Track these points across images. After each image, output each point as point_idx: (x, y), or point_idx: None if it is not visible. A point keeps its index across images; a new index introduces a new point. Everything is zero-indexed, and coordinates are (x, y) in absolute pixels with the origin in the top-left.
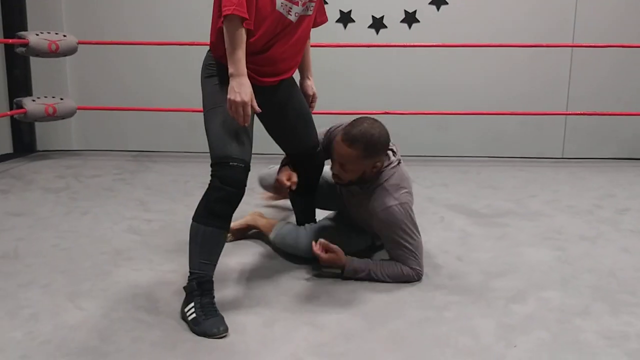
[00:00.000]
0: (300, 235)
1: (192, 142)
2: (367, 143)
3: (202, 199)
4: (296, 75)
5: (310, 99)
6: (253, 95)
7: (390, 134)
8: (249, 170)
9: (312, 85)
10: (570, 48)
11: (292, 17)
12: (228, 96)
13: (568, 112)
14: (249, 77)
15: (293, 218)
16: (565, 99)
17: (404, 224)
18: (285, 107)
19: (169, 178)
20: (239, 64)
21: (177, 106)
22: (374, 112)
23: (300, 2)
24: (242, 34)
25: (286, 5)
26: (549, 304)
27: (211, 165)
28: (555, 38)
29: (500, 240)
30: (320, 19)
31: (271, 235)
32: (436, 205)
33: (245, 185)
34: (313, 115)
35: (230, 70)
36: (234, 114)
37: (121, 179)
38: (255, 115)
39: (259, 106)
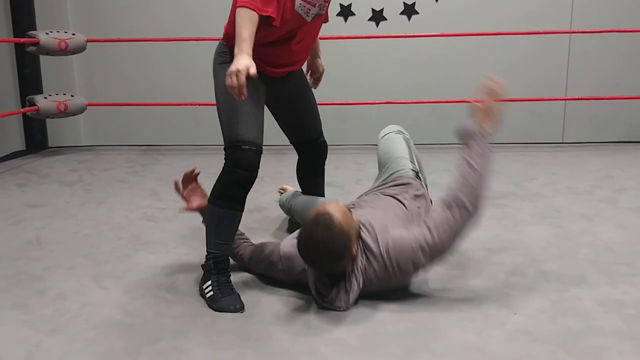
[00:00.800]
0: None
1: (198, 135)
2: (336, 259)
3: (216, 181)
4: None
5: (319, 75)
6: (251, 66)
7: (391, 122)
8: (261, 153)
9: (322, 63)
10: (568, 34)
11: (308, 18)
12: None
13: (567, 97)
14: (260, 66)
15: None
16: (564, 85)
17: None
18: (293, 98)
19: (178, 170)
20: (242, 44)
21: (183, 100)
22: (376, 101)
23: (317, 4)
24: (252, 21)
25: (304, 6)
26: (548, 276)
27: (224, 149)
28: (553, 25)
29: (501, 220)
30: (325, 18)
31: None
32: (438, 190)
33: (258, 168)
34: (319, 106)
35: (235, 51)
36: (230, 86)
37: (133, 171)
38: (265, 105)
39: (268, 97)
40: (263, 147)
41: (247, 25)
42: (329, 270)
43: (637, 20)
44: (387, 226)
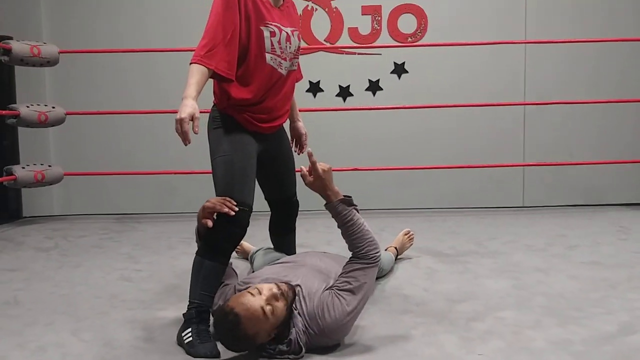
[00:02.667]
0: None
1: (172, 203)
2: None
3: (206, 236)
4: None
5: (303, 138)
6: (195, 112)
7: (359, 189)
8: (252, 212)
9: (302, 126)
10: (522, 106)
11: (283, 71)
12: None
13: (524, 164)
14: (252, 125)
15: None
16: (522, 152)
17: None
18: (278, 156)
19: (153, 235)
20: (188, 88)
21: (157, 169)
22: (344, 168)
23: (287, 58)
24: (200, 71)
25: (276, 59)
26: (505, 321)
27: None
28: (507, 96)
29: (462, 274)
30: (298, 75)
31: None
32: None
33: (248, 226)
34: None
35: (183, 95)
36: (177, 132)
37: (108, 237)
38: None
39: (260, 152)
40: None
41: (194, 74)
42: (235, 350)
43: (581, 91)
44: (317, 292)
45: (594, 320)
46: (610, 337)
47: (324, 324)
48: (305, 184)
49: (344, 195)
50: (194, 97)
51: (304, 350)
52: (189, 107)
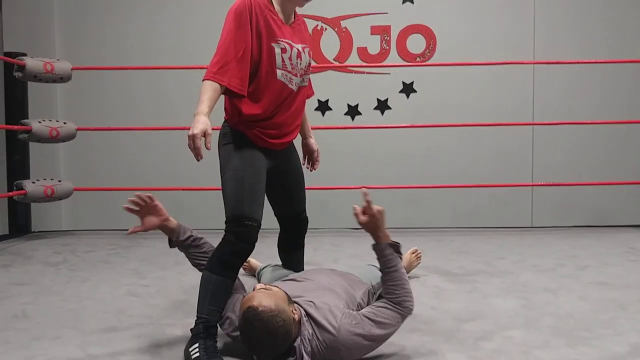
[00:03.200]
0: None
1: (178, 220)
2: (277, 346)
3: (215, 251)
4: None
5: (316, 154)
6: (207, 129)
7: None
8: (260, 227)
9: (314, 142)
10: (531, 126)
11: (294, 87)
12: None
13: (533, 184)
14: (262, 141)
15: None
16: (530, 173)
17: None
18: (285, 172)
19: (160, 251)
20: (201, 105)
21: (164, 185)
22: (351, 187)
23: (298, 74)
24: (213, 88)
25: (287, 75)
26: (513, 340)
27: (226, 222)
28: (515, 116)
29: (471, 294)
30: (309, 92)
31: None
32: None
33: (256, 241)
34: None
35: (195, 111)
36: (189, 148)
37: (115, 252)
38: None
39: (270, 168)
40: None
41: (207, 90)
42: (275, 354)
43: (590, 112)
44: (331, 305)
45: (603, 341)
46: (619, 358)
47: (338, 333)
48: (358, 222)
49: (393, 241)
50: (206, 113)
51: (308, 358)
52: (201, 123)
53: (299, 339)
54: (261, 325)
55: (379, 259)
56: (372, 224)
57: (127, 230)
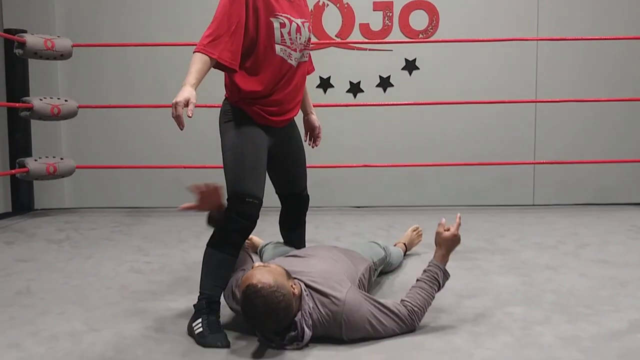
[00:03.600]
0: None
1: (182, 197)
2: (279, 320)
3: (216, 228)
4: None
5: (317, 131)
6: (190, 98)
7: (368, 185)
8: (262, 205)
9: (316, 119)
10: (534, 104)
11: (293, 62)
12: None
13: (535, 162)
14: (262, 118)
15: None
16: (533, 151)
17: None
18: (286, 150)
19: (163, 229)
20: (188, 76)
21: (166, 163)
22: (353, 165)
23: (298, 49)
24: (202, 60)
25: (286, 50)
26: (514, 316)
27: (227, 199)
28: (519, 94)
29: (472, 271)
30: (310, 67)
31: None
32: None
33: (258, 218)
34: None
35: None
36: (172, 116)
37: (119, 230)
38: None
39: (271, 146)
40: None
41: (196, 62)
42: (277, 329)
43: (596, 90)
44: (342, 278)
45: (603, 317)
46: (619, 334)
47: (343, 305)
48: (437, 232)
49: (447, 270)
50: (192, 84)
51: (309, 332)
52: (185, 92)
53: (299, 314)
54: (261, 302)
55: (426, 271)
56: (449, 242)
57: (131, 208)
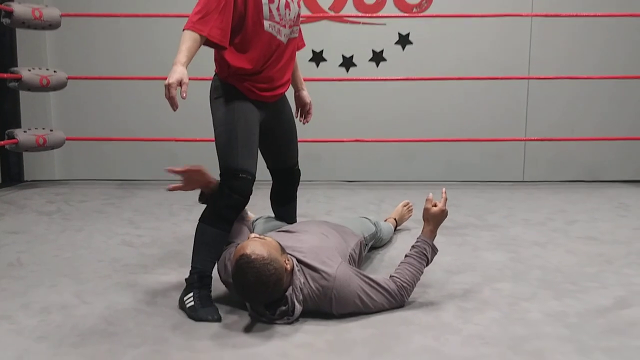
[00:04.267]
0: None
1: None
2: (269, 292)
3: (209, 204)
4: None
5: (308, 107)
6: (183, 78)
7: (360, 160)
8: (255, 180)
9: (307, 94)
10: (526, 80)
11: (282, 38)
12: None
13: (526, 138)
14: (253, 94)
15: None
16: (524, 127)
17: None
18: (277, 124)
19: (155, 202)
20: (179, 54)
21: (158, 136)
22: (345, 139)
23: (287, 25)
24: (193, 38)
25: (274, 26)
26: (501, 292)
27: (220, 175)
28: (511, 71)
29: (461, 247)
30: (300, 43)
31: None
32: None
33: (251, 194)
34: None
35: (174, 60)
36: (165, 97)
37: (110, 203)
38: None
39: (262, 121)
40: None
41: (186, 40)
42: (266, 301)
43: (589, 67)
44: (333, 252)
45: (589, 294)
46: (604, 310)
47: (333, 280)
48: (425, 208)
49: (435, 245)
50: (183, 63)
51: (299, 307)
52: (177, 72)
53: (290, 288)
54: (253, 273)
55: (415, 247)
56: (437, 217)
57: (122, 180)
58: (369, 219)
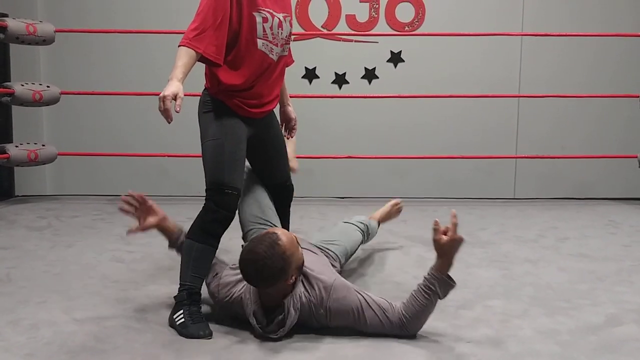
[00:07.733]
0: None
1: (163, 186)
2: (271, 278)
3: (196, 219)
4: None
5: (293, 122)
6: (178, 92)
7: (352, 177)
8: (240, 196)
9: (292, 110)
10: (516, 98)
11: (274, 57)
12: None
13: (517, 156)
14: (242, 110)
15: None
16: (514, 144)
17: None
18: (266, 140)
19: None
20: (175, 70)
21: (150, 152)
22: (337, 156)
23: (279, 44)
24: (188, 54)
25: (267, 45)
26: (493, 310)
27: (206, 190)
28: (502, 89)
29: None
30: (289, 60)
31: None
32: (395, 236)
33: (236, 209)
34: None
35: (169, 76)
36: (160, 110)
37: (100, 218)
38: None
39: (250, 137)
40: None
41: (182, 57)
42: (261, 287)
43: (578, 85)
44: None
45: (581, 311)
46: (596, 328)
47: (332, 291)
48: (434, 240)
49: (451, 278)
50: (179, 79)
51: (295, 314)
52: (173, 86)
53: (289, 296)
54: (267, 249)
55: (426, 278)
56: (447, 247)
57: (113, 196)
58: (353, 224)
